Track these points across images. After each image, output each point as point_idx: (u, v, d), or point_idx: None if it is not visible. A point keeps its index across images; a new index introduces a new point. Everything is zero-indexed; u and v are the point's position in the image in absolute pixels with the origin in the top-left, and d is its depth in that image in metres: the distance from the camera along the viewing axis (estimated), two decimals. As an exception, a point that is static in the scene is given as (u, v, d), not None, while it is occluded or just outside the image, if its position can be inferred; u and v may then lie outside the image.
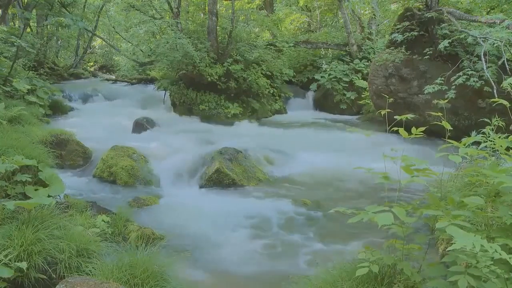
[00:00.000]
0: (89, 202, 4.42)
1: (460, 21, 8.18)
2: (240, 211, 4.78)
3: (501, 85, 6.14)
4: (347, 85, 12.11)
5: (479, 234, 1.96)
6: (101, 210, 4.30)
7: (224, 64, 10.32)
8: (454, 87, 7.41)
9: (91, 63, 22.65)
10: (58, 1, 11.51)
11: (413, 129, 2.54)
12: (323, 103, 12.57)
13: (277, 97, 12.08)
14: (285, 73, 11.99)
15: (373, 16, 14.42)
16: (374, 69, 9.14)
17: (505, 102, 2.84)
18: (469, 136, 2.74)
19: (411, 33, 8.53)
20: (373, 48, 12.91)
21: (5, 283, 2.52)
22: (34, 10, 12.79)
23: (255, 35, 12.80)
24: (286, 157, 6.81)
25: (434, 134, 5.12)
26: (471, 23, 8.40)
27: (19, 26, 12.00)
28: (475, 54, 7.63)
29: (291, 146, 7.38)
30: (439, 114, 2.70)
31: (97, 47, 23.80)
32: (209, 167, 5.85)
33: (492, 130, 3.11)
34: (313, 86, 12.81)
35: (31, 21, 12.71)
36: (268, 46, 12.23)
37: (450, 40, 7.78)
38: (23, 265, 2.55)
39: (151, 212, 4.76)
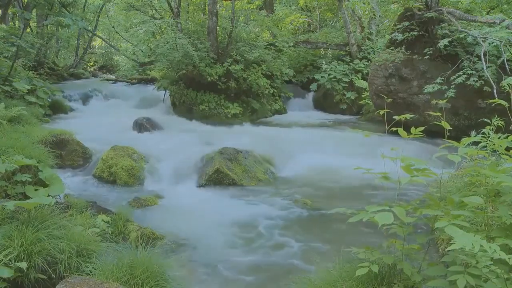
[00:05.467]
0: (89, 202, 4.42)
1: (460, 21, 8.18)
2: (240, 211, 4.79)
3: (500, 85, 6.16)
4: (347, 85, 12.10)
5: (478, 234, 1.96)
6: (101, 210, 4.30)
7: (224, 64, 10.31)
8: (453, 86, 7.42)
9: (91, 63, 22.64)
10: (58, 1, 11.49)
11: (413, 129, 2.54)
12: (323, 103, 12.57)
13: (277, 97, 12.07)
14: (285, 73, 11.98)
15: (373, 16, 14.41)
16: (374, 69, 9.14)
17: (503, 103, 2.84)
18: (469, 136, 2.74)
19: (411, 33, 8.53)
20: (373, 48, 12.90)
21: (5, 283, 2.52)
22: (34, 10, 12.79)
23: (255, 35, 12.78)
24: (286, 157, 6.80)
25: (434, 134, 5.12)
26: (471, 23, 8.40)
27: (19, 26, 12.00)
28: (475, 54, 7.63)
29: (291, 146, 7.38)
30: (439, 114, 2.70)
31: (97, 47, 23.80)
32: (209, 167, 5.85)
33: (492, 130, 3.10)
34: (313, 86, 12.80)
35: (31, 21, 12.70)
36: (268, 46, 12.21)
37: (449, 39, 7.78)
38: (23, 265, 2.55)
39: (151, 212, 4.77)
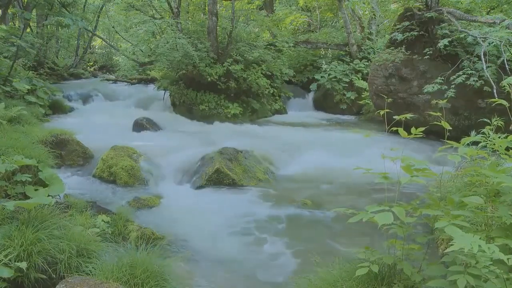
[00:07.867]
0: (89, 202, 4.43)
1: (460, 21, 8.18)
2: (240, 211, 4.79)
3: (500, 85, 6.16)
4: (347, 85, 12.11)
5: (478, 234, 1.96)
6: (101, 210, 4.31)
7: (224, 64, 10.31)
8: (453, 86, 7.42)
9: (91, 63, 22.63)
10: (58, 1, 11.49)
11: (413, 129, 2.54)
12: (323, 103, 12.57)
13: (277, 97, 12.07)
14: (285, 73, 11.97)
15: (373, 16, 14.40)
16: (374, 69, 9.14)
17: (504, 102, 2.84)
18: (469, 136, 2.74)
19: (411, 33, 8.53)
20: (373, 48, 12.90)
21: (5, 283, 2.53)
22: (34, 10, 12.78)
23: (255, 35, 12.77)
24: (286, 157, 6.81)
25: (434, 134, 5.12)
26: (471, 23, 8.40)
27: (19, 26, 11.99)
28: (475, 54, 7.63)
29: (291, 146, 7.38)
30: (439, 114, 2.70)
31: (97, 47, 23.79)
32: (209, 167, 5.85)
33: (492, 130, 3.11)
34: (313, 86, 12.80)
35: (31, 21, 12.70)
36: (268, 46, 12.21)
37: (449, 39, 7.78)
38: (23, 265, 2.55)
39: (151, 212, 4.77)
